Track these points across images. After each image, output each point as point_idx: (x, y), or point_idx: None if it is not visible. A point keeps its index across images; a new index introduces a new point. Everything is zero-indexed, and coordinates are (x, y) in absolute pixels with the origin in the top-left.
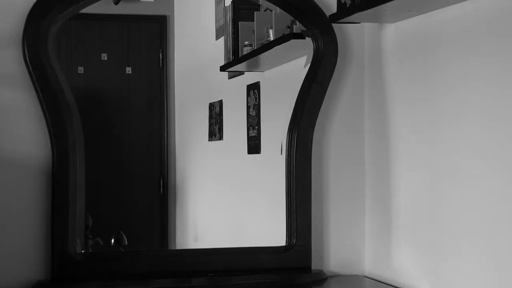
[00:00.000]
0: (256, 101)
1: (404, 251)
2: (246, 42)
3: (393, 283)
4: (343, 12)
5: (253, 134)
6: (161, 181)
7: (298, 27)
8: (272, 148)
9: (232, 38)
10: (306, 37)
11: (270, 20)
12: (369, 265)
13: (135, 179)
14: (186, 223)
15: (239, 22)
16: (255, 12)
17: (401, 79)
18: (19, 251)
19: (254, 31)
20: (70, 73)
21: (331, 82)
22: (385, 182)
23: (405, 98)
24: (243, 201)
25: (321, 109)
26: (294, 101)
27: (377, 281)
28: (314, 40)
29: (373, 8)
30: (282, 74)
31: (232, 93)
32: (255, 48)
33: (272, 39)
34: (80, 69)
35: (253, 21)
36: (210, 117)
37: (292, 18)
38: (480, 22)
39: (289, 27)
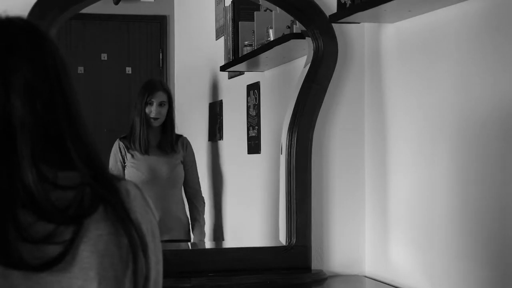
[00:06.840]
0: (256, 101)
1: (404, 251)
2: (246, 42)
3: (393, 283)
4: (343, 12)
5: (253, 134)
6: None
7: (298, 27)
8: (272, 148)
9: (232, 38)
10: (306, 37)
11: (270, 20)
12: (369, 265)
13: None
14: None
15: (239, 22)
16: (255, 12)
17: (401, 79)
18: None
19: (254, 31)
20: None
21: (331, 82)
22: (385, 182)
23: (405, 97)
24: (243, 201)
25: (321, 109)
26: (294, 101)
27: (377, 281)
28: (314, 40)
29: (373, 8)
30: (282, 74)
31: (232, 93)
32: (255, 48)
33: (272, 39)
34: (80, 69)
35: (253, 21)
36: (210, 117)
37: (292, 18)
38: (480, 22)
39: (289, 27)
